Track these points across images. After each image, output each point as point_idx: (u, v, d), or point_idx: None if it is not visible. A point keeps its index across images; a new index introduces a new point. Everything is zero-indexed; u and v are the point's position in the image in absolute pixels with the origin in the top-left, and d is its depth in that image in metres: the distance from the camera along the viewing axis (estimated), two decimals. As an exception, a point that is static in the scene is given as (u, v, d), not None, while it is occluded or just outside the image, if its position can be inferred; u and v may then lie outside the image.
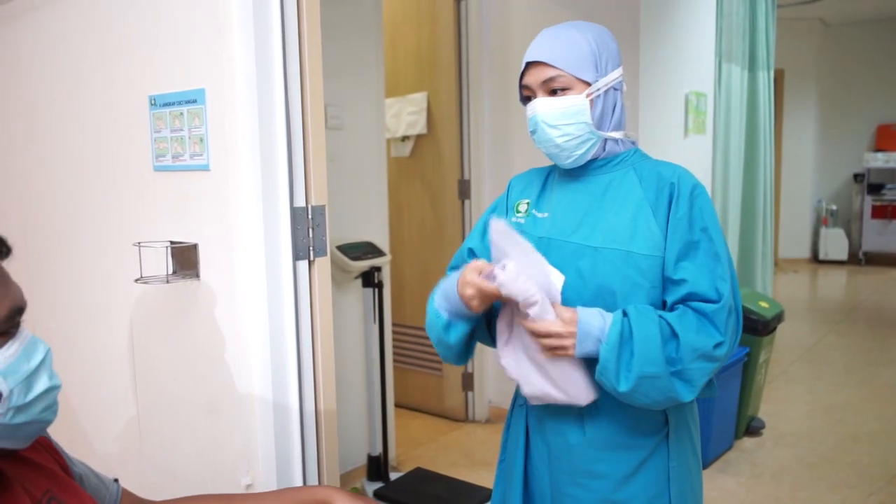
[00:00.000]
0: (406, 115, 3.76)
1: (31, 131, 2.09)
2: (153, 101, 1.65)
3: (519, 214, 1.33)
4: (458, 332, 1.25)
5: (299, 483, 1.61)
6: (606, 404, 1.23)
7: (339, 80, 2.82)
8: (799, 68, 8.32)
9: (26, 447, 0.92)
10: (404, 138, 3.79)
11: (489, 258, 1.33)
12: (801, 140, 8.53)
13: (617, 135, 1.25)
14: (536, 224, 1.29)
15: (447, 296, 1.24)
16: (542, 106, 1.21)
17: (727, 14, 4.04)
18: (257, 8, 1.48)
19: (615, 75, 1.23)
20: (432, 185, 3.72)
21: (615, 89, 1.24)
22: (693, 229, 1.17)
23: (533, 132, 1.24)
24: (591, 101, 1.20)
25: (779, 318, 3.39)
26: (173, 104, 1.60)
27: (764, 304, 3.36)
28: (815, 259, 8.68)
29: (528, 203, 1.33)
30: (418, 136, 3.73)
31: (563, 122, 1.20)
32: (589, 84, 1.20)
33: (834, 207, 8.64)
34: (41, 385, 0.84)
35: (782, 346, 4.97)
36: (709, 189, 3.98)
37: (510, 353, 1.24)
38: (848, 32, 8.54)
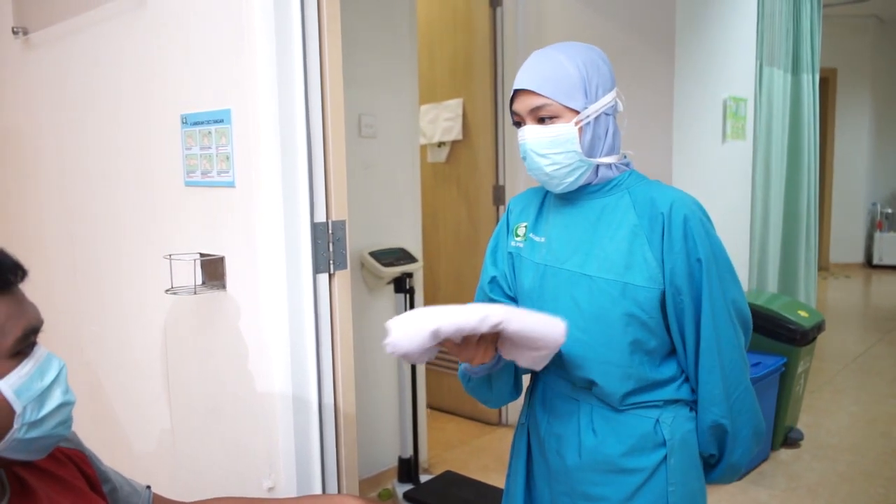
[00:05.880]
0: (442, 120, 3.80)
1: (77, 145, 2.20)
2: (184, 120, 1.73)
3: (518, 238, 1.34)
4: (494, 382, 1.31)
5: (318, 487, 1.66)
6: (602, 428, 1.24)
7: (373, 88, 2.88)
8: (853, 67, 8.05)
9: (52, 461, 0.98)
10: (440, 144, 3.83)
11: (512, 283, 1.34)
12: (854, 141, 8.25)
13: (609, 160, 1.23)
14: (534, 249, 1.30)
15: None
16: (530, 134, 1.20)
17: (769, 15, 3.94)
18: (279, 31, 1.53)
19: (606, 100, 1.21)
20: (468, 190, 3.76)
21: (607, 114, 1.22)
22: (689, 261, 1.17)
23: (524, 159, 1.24)
24: (581, 128, 1.19)
25: (819, 327, 3.32)
26: (202, 123, 1.67)
27: (803, 314, 3.29)
28: (869, 264, 8.40)
29: (525, 226, 1.33)
30: (454, 142, 3.77)
31: (551, 150, 1.19)
32: (577, 112, 1.18)
33: (889, 211, 8.34)
34: (54, 401, 0.88)
35: (828, 355, 4.84)
36: (748, 196, 3.90)
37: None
38: (905, 29, 8.25)
